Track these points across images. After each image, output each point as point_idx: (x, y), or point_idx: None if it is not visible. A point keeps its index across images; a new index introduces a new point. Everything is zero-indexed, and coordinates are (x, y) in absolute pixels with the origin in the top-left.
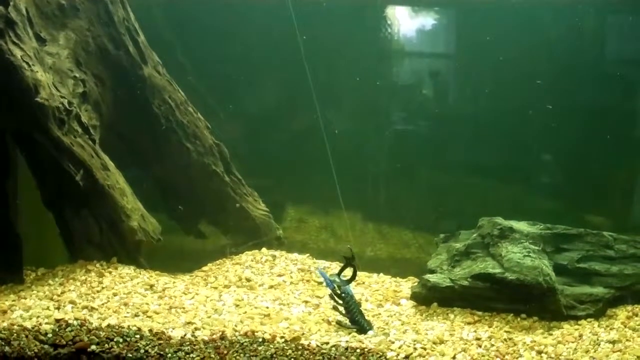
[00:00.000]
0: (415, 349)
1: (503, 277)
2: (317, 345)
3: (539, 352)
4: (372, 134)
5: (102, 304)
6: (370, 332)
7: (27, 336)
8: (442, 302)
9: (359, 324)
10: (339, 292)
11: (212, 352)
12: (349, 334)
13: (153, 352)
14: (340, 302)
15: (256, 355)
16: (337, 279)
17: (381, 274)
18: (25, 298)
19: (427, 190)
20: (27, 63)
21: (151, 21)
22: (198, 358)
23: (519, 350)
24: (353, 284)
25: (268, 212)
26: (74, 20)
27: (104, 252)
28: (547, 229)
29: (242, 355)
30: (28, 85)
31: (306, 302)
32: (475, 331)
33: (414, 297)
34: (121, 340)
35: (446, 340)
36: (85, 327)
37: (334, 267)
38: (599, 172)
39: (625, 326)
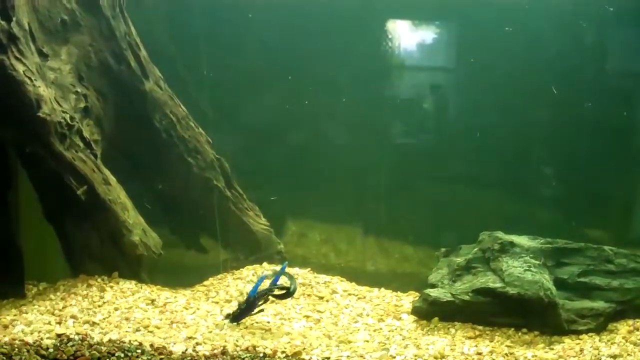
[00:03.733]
0: None
1: (504, 291)
2: None
3: None
4: (372, 147)
5: (104, 319)
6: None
7: (28, 351)
8: (443, 317)
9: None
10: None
11: None
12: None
13: None
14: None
15: None
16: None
17: (382, 289)
18: (26, 313)
19: (428, 204)
20: (30, 78)
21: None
22: None
23: None
24: (354, 298)
25: (269, 227)
26: (76, 35)
27: (105, 267)
28: (548, 243)
29: None
30: (30, 100)
31: (307, 316)
32: (476, 346)
33: (415, 311)
34: (122, 355)
35: (447, 355)
36: (86, 342)
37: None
38: (599, 186)
39: (626, 340)
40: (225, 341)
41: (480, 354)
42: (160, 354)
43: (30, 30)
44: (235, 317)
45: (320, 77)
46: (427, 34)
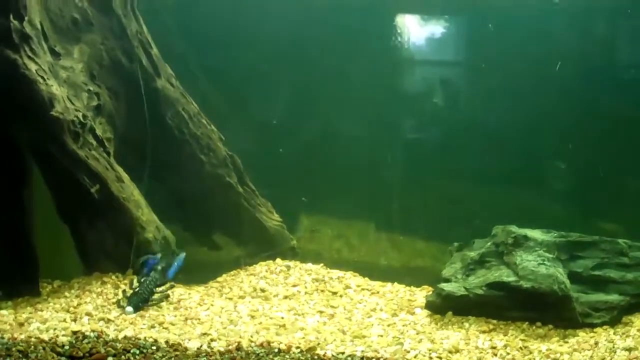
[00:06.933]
0: (430, 358)
1: (518, 285)
2: (333, 355)
3: None
4: (384, 142)
5: (118, 316)
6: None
7: (44, 348)
8: (457, 311)
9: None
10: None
11: None
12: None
13: None
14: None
15: None
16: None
17: (395, 283)
18: (41, 310)
19: (440, 199)
20: (42, 77)
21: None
22: None
23: (534, 359)
24: (368, 293)
25: (282, 223)
26: (87, 34)
27: (119, 264)
28: (562, 236)
29: None
30: (43, 99)
31: (321, 312)
32: (490, 340)
33: (429, 306)
34: (138, 351)
35: (462, 349)
36: (102, 339)
37: None
38: (613, 179)
39: None
40: (240, 337)
41: (494, 347)
42: (176, 350)
43: (42, 29)
44: (136, 306)
45: (331, 71)
46: (437, 28)
